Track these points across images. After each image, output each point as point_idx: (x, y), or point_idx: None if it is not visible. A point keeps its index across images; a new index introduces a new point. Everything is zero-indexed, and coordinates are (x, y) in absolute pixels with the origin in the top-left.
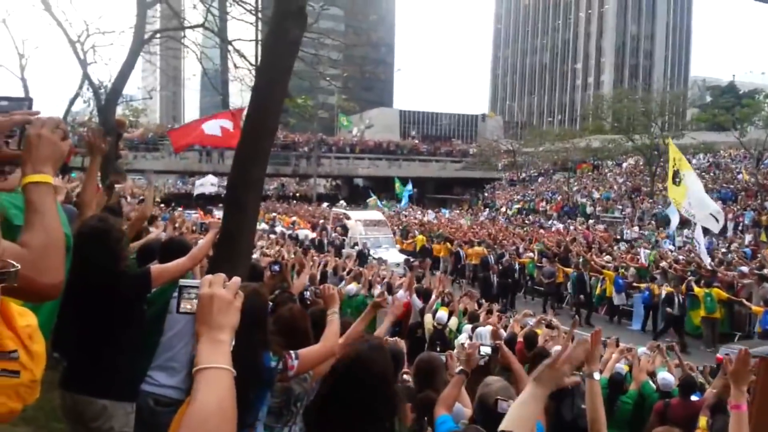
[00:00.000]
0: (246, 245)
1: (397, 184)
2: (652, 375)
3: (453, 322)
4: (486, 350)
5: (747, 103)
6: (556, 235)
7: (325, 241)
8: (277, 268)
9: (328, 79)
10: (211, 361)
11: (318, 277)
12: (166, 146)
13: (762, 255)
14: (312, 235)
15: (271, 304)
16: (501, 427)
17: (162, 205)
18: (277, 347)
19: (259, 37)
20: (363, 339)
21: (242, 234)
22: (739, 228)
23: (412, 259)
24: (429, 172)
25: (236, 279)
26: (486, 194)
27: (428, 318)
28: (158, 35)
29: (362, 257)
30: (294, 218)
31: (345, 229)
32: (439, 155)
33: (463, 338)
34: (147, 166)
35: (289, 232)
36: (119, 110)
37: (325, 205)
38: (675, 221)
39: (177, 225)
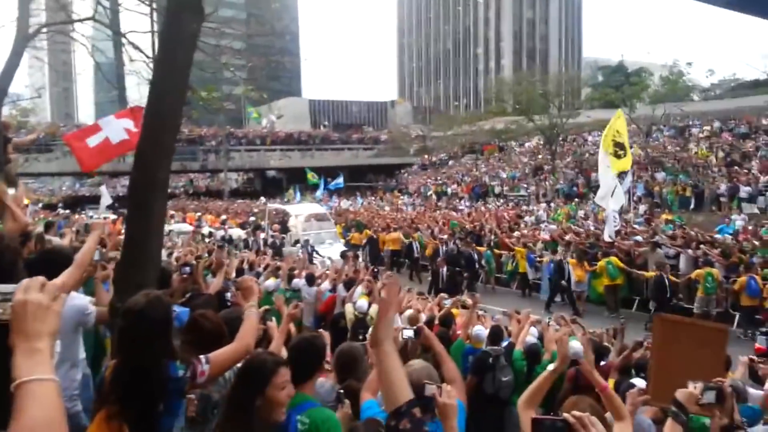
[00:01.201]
0: (154, 249)
1: (310, 174)
2: None
3: (374, 310)
4: (408, 333)
5: (634, 82)
6: (467, 216)
7: (261, 242)
8: (188, 270)
9: (231, 69)
10: (32, 373)
11: (233, 274)
12: (59, 146)
13: (655, 223)
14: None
15: (187, 309)
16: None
17: (66, 210)
18: (185, 354)
19: (155, 29)
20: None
21: (148, 238)
22: (633, 199)
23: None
24: (342, 161)
25: (55, 281)
26: (399, 180)
27: (349, 307)
28: (45, 29)
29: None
30: (224, 216)
31: (284, 227)
32: (350, 143)
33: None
34: (40, 169)
35: (221, 232)
36: (5, 111)
37: (238, 199)
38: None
39: (77, 230)
